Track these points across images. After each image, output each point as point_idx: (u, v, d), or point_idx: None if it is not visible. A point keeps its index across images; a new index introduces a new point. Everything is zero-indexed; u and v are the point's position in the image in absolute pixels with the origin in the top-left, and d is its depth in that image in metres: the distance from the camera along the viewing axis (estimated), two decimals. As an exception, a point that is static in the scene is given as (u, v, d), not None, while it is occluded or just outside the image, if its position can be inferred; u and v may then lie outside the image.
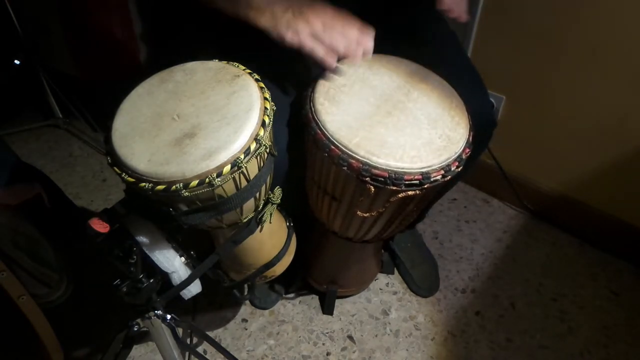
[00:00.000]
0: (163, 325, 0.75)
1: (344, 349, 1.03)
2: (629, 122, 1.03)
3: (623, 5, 0.92)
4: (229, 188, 0.57)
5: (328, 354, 1.02)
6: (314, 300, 1.13)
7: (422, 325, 1.07)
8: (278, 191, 0.71)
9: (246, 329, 1.07)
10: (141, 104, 0.61)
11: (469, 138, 0.68)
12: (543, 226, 1.29)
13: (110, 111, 0.61)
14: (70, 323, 1.00)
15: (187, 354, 0.96)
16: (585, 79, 1.04)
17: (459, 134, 0.67)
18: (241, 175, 0.56)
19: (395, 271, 1.18)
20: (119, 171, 0.55)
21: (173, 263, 0.66)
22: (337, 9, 0.67)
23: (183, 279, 0.68)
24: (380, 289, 1.15)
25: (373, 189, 0.63)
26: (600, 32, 0.97)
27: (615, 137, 1.06)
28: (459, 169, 0.65)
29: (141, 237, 0.62)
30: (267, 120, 0.58)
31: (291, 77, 0.78)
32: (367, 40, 0.67)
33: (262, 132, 0.57)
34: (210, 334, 1.06)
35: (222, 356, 0.97)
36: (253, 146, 0.56)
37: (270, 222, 0.72)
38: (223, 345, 1.03)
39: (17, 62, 1.49)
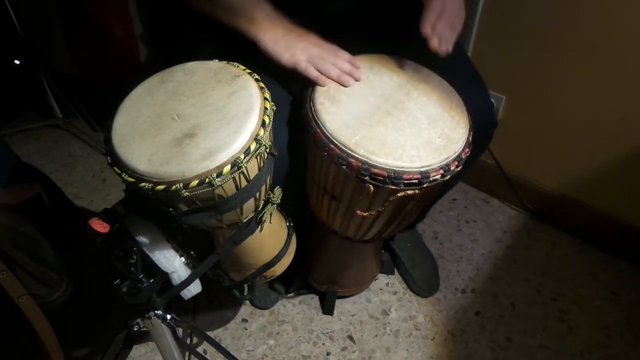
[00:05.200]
0: (163, 325, 0.75)
1: (344, 349, 1.03)
2: (629, 122, 1.03)
3: (623, 5, 0.92)
4: (229, 188, 0.57)
5: (328, 354, 1.02)
6: (314, 300, 1.13)
7: (422, 325, 1.07)
8: (278, 191, 0.71)
9: (246, 329, 1.07)
10: (141, 104, 0.61)
11: (468, 138, 0.68)
12: (543, 226, 1.29)
13: (110, 111, 0.61)
14: (70, 323, 1.00)
15: (187, 354, 0.96)
16: (585, 79, 1.04)
17: (459, 133, 0.67)
18: (241, 175, 0.56)
19: (395, 271, 1.18)
20: (119, 171, 0.55)
21: (173, 263, 0.66)
22: (324, 41, 0.74)
23: (183, 279, 0.68)
24: (380, 289, 1.15)
25: (372, 188, 0.63)
26: (600, 32, 0.97)
27: (615, 137, 1.06)
28: (459, 169, 0.65)
29: (141, 237, 0.62)
30: (267, 120, 0.58)
31: (291, 77, 0.78)
32: (358, 71, 0.72)
33: (262, 132, 0.57)
34: (210, 334, 1.06)
35: (222, 356, 0.97)
36: (253, 146, 0.56)
37: (270, 222, 0.72)
38: (223, 345, 1.03)
39: (17, 62, 1.49)
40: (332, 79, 0.71)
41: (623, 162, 1.08)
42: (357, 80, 0.72)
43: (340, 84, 0.71)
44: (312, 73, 0.70)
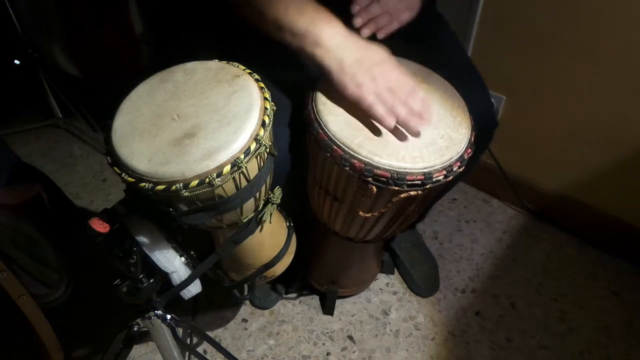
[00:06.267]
0: (163, 325, 0.75)
1: (344, 349, 1.03)
2: (629, 122, 1.03)
3: (623, 6, 0.92)
4: (229, 188, 0.57)
5: (328, 354, 1.02)
6: (314, 300, 1.13)
7: (422, 325, 1.07)
8: (278, 191, 0.71)
9: (246, 329, 1.07)
10: (141, 104, 0.61)
11: (470, 138, 0.67)
12: (543, 226, 1.29)
13: (110, 111, 0.61)
14: (70, 323, 1.00)
15: (187, 354, 0.96)
16: (585, 79, 1.04)
17: (461, 134, 0.66)
18: (241, 175, 0.56)
19: (395, 271, 1.18)
20: (119, 171, 0.55)
21: (173, 263, 0.66)
22: (404, 71, 0.65)
23: (183, 279, 0.68)
24: (380, 289, 1.15)
25: (375, 189, 0.63)
26: (600, 32, 0.97)
27: (615, 137, 1.06)
28: (461, 169, 0.65)
29: (141, 237, 0.62)
30: (267, 120, 0.58)
31: (292, 77, 0.78)
32: (428, 114, 0.64)
33: (262, 132, 0.56)
34: (210, 334, 1.06)
35: (222, 356, 0.97)
36: (253, 146, 0.56)
37: (270, 222, 0.72)
38: (223, 345, 1.03)
39: (17, 62, 1.49)
40: (399, 119, 0.62)
41: (623, 162, 1.08)
42: (426, 124, 0.63)
43: (405, 128, 0.63)
44: (378, 111, 0.62)
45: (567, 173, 1.20)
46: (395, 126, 0.63)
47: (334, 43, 0.63)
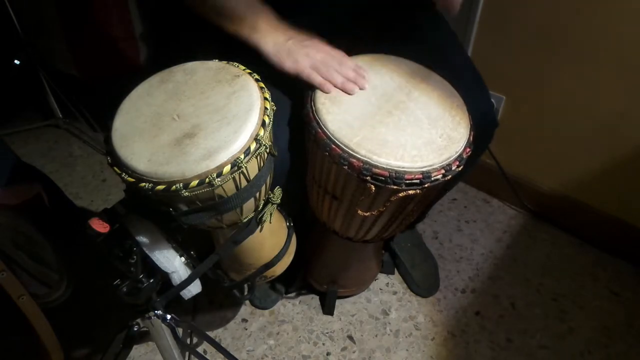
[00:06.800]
0: (163, 325, 0.75)
1: (344, 349, 1.03)
2: (629, 121, 1.03)
3: (623, 5, 0.92)
4: (229, 188, 0.57)
5: (328, 354, 1.02)
6: (314, 300, 1.13)
7: (422, 325, 1.07)
8: (278, 191, 0.71)
9: (246, 329, 1.07)
10: (141, 104, 0.61)
11: (469, 137, 0.68)
12: (543, 226, 1.29)
13: (110, 111, 0.61)
14: (70, 323, 1.00)
15: (187, 354, 0.96)
16: (585, 79, 1.04)
17: (460, 133, 0.67)
18: (241, 175, 0.56)
19: (395, 271, 1.18)
20: (119, 171, 0.55)
21: (173, 263, 0.66)
22: (334, 47, 0.74)
23: (183, 279, 0.68)
24: (380, 289, 1.15)
25: (374, 188, 0.63)
26: (600, 32, 0.97)
27: (615, 137, 1.06)
28: (460, 169, 0.65)
29: (141, 237, 0.62)
30: (267, 120, 0.58)
31: (292, 77, 0.78)
32: (363, 79, 0.71)
33: (262, 132, 0.57)
34: (210, 334, 1.06)
35: (222, 356, 0.97)
36: (253, 146, 0.56)
37: (270, 222, 0.72)
38: (223, 345, 1.03)
39: (17, 62, 1.49)
40: (336, 87, 0.70)
41: (623, 162, 1.08)
42: (361, 88, 0.71)
43: (344, 92, 0.70)
44: (316, 79, 0.70)
45: (567, 173, 1.20)
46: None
47: (270, 28, 0.71)
